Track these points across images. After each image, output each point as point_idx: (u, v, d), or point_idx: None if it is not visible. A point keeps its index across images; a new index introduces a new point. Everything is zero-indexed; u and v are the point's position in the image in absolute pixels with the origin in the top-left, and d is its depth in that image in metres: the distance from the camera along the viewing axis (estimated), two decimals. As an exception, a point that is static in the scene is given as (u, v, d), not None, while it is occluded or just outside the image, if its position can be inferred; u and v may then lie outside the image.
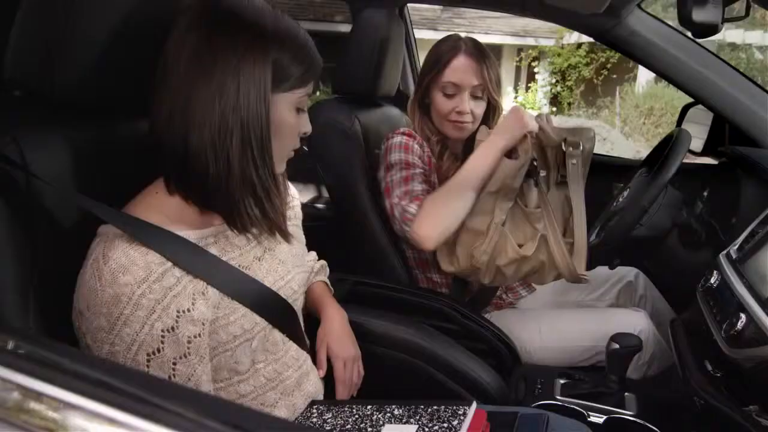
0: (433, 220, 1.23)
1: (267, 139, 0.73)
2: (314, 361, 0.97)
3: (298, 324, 0.91)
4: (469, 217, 1.24)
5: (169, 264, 0.69)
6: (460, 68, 1.37)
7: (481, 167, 1.22)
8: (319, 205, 2.14)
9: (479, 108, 1.41)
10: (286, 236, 0.83)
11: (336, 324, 1.03)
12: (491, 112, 1.45)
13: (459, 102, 1.38)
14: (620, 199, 1.46)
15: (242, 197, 0.74)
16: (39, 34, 0.72)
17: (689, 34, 1.42)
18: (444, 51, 1.39)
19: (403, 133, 1.40)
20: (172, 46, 0.71)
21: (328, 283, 1.13)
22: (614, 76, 9.56)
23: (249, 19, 0.72)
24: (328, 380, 0.99)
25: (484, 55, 1.39)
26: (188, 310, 0.69)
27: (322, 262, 1.14)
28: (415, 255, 1.47)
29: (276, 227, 0.80)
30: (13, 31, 0.73)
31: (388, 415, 0.84)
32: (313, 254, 1.12)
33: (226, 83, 0.70)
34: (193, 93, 0.69)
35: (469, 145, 1.48)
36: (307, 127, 0.82)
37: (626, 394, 1.20)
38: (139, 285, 0.66)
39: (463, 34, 1.45)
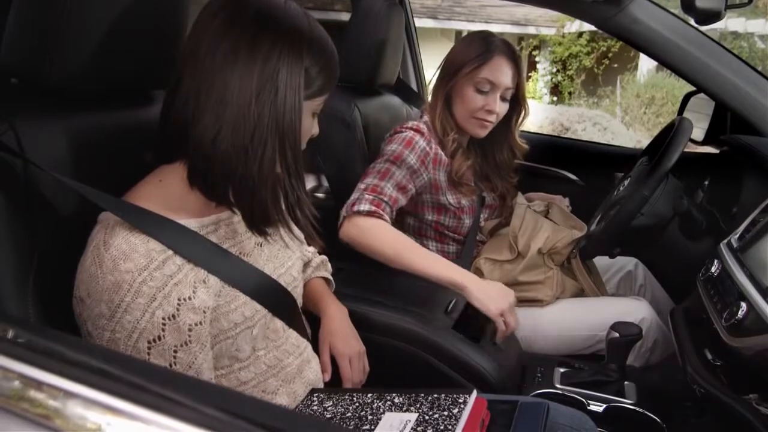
0: (369, 237, 1.21)
1: (299, 146, 0.73)
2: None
3: (297, 312, 0.91)
4: (521, 273, 1.39)
5: (171, 251, 0.68)
6: (499, 68, 1.38)
7: (436, 271, 1.18)
8: (319, 195, 2.14)
9: (503, 110, 1.42)
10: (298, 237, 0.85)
11: (337, 323, 1.03)
12: (516, 115, 1.48)
13: (491, 100, 1.38)
14: (621, 189, 1.45)
15: (273, 201, 0.73)
16: (36, 20, 0.72)
17: (692, 21, 1.42)
18: (482, 48, 1.38)
19: (413, 128, 1.38)
20: (208, 39, 0.69)
21: (331, 279, 1.11)
22: (615, 65, 9.51)
23: (290, 24, 0.71)
24: (335, 378, 0.99)
25: (519, 59, 1.42)
26: (189, 298, 0.69)
27: (323, 257, 1.12)
28: (417, 238, 1.47)
29: (289, 228, 0.80)
30: (10, 18, 0.72)
31: (389, 403, 0.84)
32: (313, 248, 1.10)
33: (266, 87, 0.69)
34: (228, 91, 0.68)
35: (484, 142, 1.50)
36: (317, 130, 0.82)
37: (626, 382, 1.21)
38: (140, 272, 0.66)
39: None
